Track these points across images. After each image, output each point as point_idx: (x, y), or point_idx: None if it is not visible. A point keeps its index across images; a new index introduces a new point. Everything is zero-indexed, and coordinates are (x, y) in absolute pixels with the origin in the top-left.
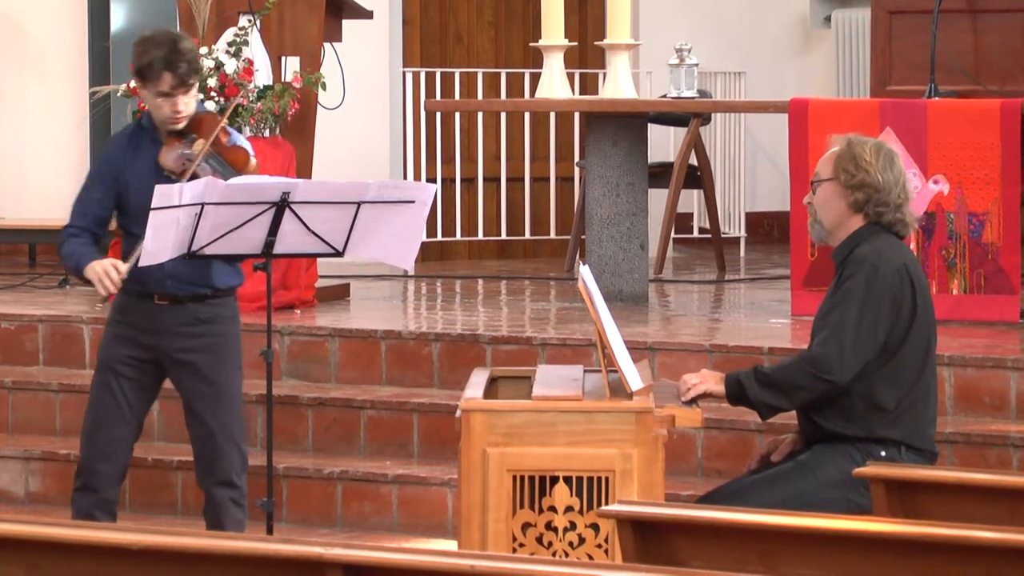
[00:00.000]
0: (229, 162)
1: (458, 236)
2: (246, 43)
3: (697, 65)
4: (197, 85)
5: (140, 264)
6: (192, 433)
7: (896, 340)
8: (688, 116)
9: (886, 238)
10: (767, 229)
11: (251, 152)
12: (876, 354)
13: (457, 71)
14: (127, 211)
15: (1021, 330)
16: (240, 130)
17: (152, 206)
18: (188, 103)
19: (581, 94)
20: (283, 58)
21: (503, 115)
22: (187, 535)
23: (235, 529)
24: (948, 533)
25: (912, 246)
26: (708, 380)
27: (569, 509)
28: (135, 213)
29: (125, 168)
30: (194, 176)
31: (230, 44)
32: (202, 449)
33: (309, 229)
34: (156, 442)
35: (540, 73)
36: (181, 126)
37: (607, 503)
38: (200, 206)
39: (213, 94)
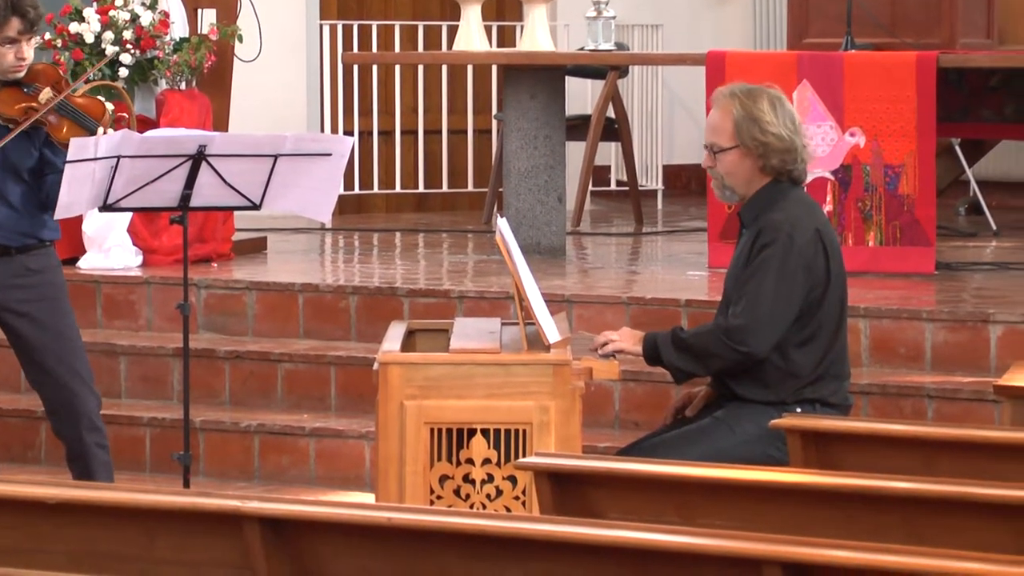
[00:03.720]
0: (85, 111)
1: (375, 189)
2: None
3: (614, 18)
4: (38, 34)
5: (55, 217)
6: (41, 384)
7: (811, 307)
8: (605, 69)
9: (795, 197)
10: (684, 182)
11: (105, 101)
12: (791, 323)
13: (374, 23)
14: None
15: (936, 282)
16: (156, 83)
17: (67, 159)
18: (30, 51)
19: (499, 47)
20: (199, 10)
21: (420, 68)
22: (104, 488)
23: (105, 472)
24: (863, 484)
25: (828, 198)
26: (627, 339)
27: (486, 461)
28: None
29: None
30: (39, 122)
31: None
32: (57, 398)
33: (226, 182)
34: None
35: (458, 26)
36: (21, 75)
37: (524, 455)
38: (116, 159)
39: (129, 46)
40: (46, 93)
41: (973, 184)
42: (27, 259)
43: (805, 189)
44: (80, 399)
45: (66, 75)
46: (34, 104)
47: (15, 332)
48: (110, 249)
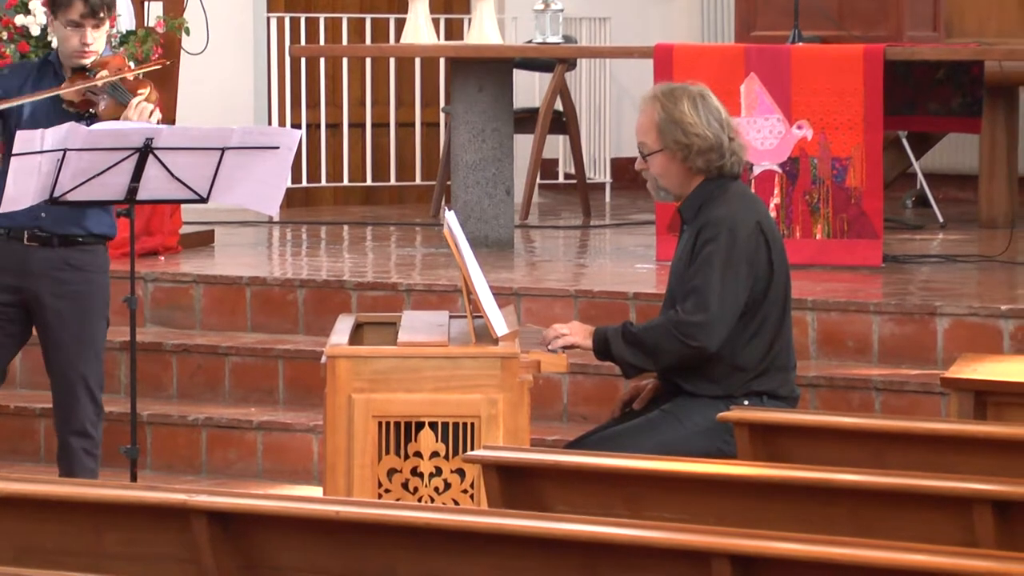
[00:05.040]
0: (133, 93)
1: (323, 182)
2: None
3: (562, 10)
4: (107, 25)
5: (1, 210)
6: (52, 379)
7: (755, 300)
8: (553, 62)
9: (735, 191)
10: (632, 175)
11: (154, 90)
12: (738, 316)
13: (322, 16)
14: (11, 133)
15: (884, 274)
16: None
17: (13, 152)
18: (97, 39)
19: (446, 40)
20: (146, 3)
21: (368, 61)
22: (51, 483)
23: (86, 478)
24: (811, 476)
25: (776, 191)
26: (577, 333)
27: (435, 455)
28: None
29: (24, 90)
30: (91, 104)
31: None
32: (61, 397)
33: (173, 175)
34: (19, 389)
35: (405, 19)
36: (87, 61)
37: (473, 448)
38: (62, 152)
39: None
40: (103, 75)
41: (920, 177)
42: (69, 254)
43: (752, 183)
44: (80, 405)
45: (133, 66)
46: (91, 85)
47: (41, 322)
48: None
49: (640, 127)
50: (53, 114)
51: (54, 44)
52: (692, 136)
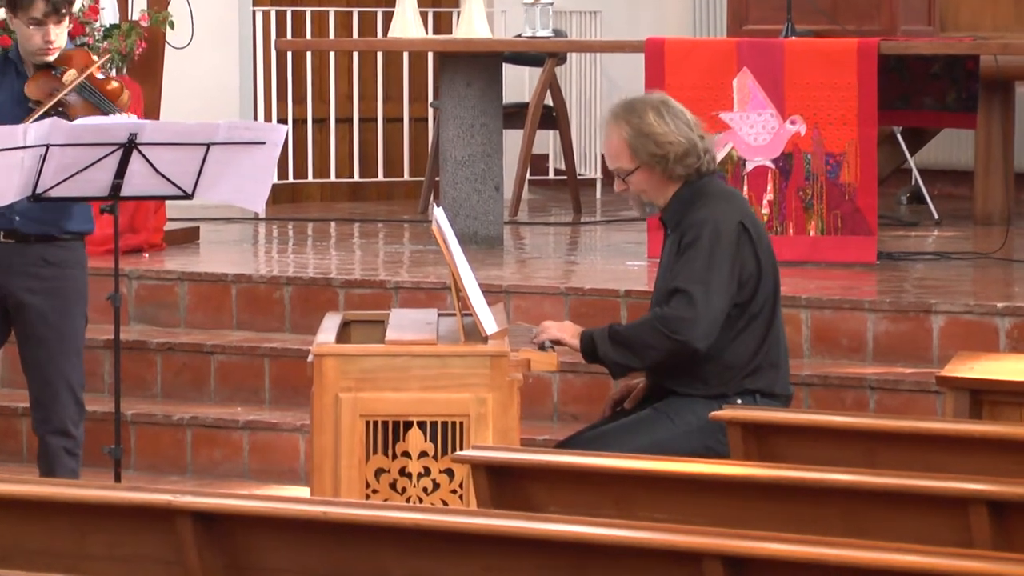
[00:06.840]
0: (103, 93)
1: (310, 178)
2: None
3: (552, 4)
4: (68, 20)
5: None
6: (29, 378)
7: (744, 299)
8: (543, 56)
9: (715, 191)
10: None
11: (124, 86)
12: (725, 315)
13: (308, 10)
14: None
15: (878, 271)
16: None
17: None
18: (60, 34)
19: (435, 33)
20: None
21: (355, 55)
22: (34, 483)
23: (67, 478)
24: (804, 476)
25: (769, 187)
26: (566, 331)
27: (423, 454)
28: None
29: None
30: (61, 104)
31: None
32: (39, 396)
33: (157, 171)
34: (0, 388)
35: (393, 12)
36: (51, 58)
37: (462, 448)
38: (45, 147)
39: None
40: (70, 75)
41: (915, 172)
42: (46, 250)
43: (745, 179)
44: (59, 403)
45: (98, 60)
46: (58, 86)
47: (19, 319)
48: None
49: (610, 152)
50: (20, 112)
51: None
52: (665, 145)
